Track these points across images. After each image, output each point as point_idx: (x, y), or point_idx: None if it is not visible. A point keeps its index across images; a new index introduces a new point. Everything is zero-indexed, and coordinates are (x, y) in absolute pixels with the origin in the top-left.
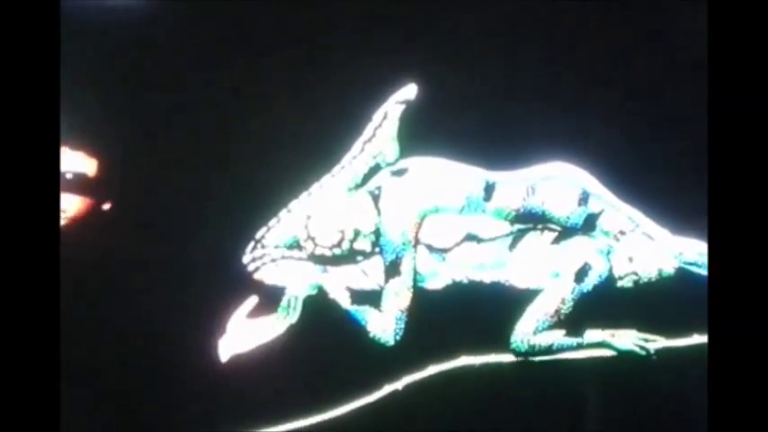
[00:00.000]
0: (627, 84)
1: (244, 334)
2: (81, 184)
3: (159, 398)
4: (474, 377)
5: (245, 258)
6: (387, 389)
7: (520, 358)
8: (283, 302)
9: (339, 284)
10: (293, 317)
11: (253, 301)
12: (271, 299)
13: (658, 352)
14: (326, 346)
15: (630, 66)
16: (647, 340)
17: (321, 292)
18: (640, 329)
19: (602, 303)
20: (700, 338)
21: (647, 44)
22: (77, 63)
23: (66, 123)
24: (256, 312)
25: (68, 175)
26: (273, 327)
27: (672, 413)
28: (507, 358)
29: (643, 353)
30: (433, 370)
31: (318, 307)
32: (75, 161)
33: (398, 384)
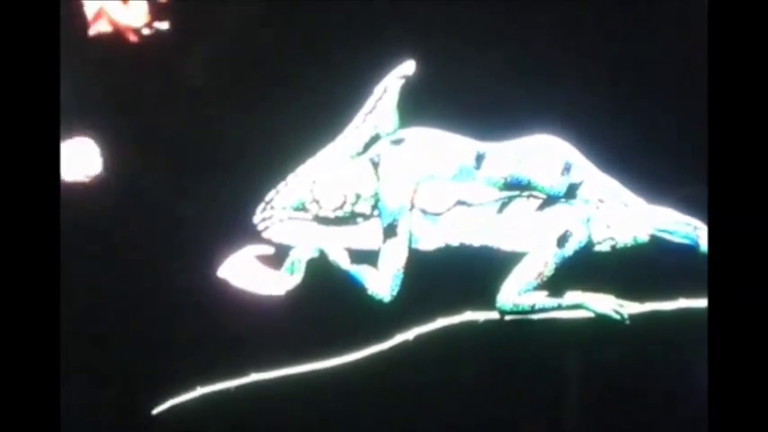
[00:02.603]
0: (612, 63)
1: (247, 273)
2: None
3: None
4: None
5: (256, 218)
6: (379, 345)
7: (506, 317)
8: (287, 263)
9: (340, 246)
10: (297, 278)
11: (260, 249)
12: (277, 256)
13: (637, 316)
14: (330, 304)
15: (619, 48)
16: (622, 306)
17: (323, 255)
18: (617, 292)
19: (581, 267)
20: (680, 303)
21: (637, 24)
22: (77, 62)
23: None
24: (264, 262)
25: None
26: (277, 284)
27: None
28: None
29: (618, 317)
30: (420, 330)
31: (321, 267)
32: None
33: (392, 340)
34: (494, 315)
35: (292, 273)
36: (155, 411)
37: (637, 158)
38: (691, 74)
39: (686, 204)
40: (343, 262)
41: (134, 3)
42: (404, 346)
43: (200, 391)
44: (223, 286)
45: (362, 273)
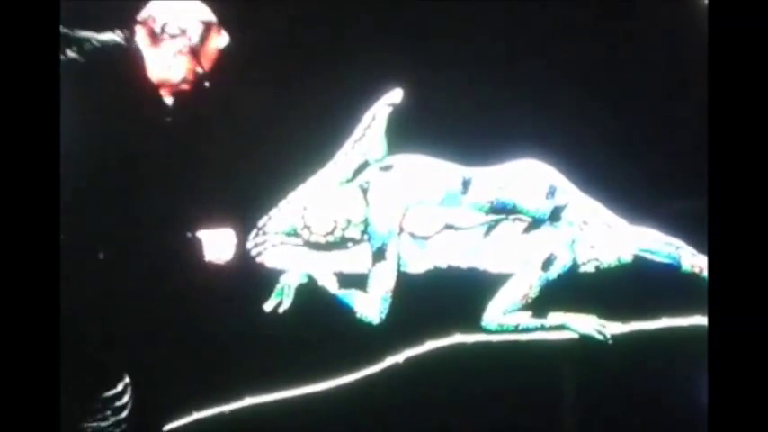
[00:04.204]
0: (594, 89)
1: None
2: None
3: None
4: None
5: (249, 244)
6: (370, 368)
7: (490, 336)
8: (277, 289)
9: (329, 271)
10: (287, 303)
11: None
12: (269, 281)
13: (621, 336)
14: (319, 328)
15: (600, 74)
16: (604, 326)
17: (312, 280)
18: (600, 312)
19: (566, 288)
20: (663, 323)
21: (618, 51)
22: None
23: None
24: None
25: None
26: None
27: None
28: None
29: (601, 337)
30: (410, 353)
31: (310, 292)
32: None
33: (382, 363)
34: (482, 337)
35: (281, 299)
36: None
37: (619, 180)
38: (674, 96)
39: (677, 220)
40: (332, 286)
41: None
42: (395, 368)
43: (195, 415)
44: (216, 311)
45: (351, 296)
